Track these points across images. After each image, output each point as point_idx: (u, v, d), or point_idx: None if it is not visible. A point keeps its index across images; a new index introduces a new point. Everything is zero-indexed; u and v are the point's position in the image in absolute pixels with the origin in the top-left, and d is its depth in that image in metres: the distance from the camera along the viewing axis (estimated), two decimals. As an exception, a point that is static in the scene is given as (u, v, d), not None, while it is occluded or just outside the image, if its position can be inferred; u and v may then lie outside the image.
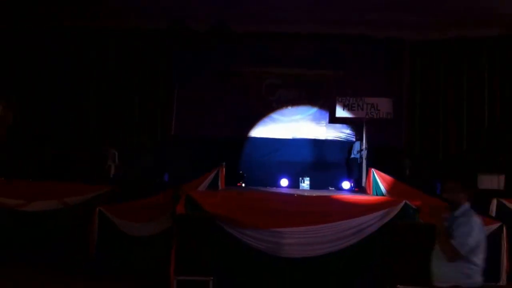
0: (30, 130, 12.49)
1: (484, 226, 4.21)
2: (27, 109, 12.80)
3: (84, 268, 8.24)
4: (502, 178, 10.72)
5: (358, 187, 11.43)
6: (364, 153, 11.44)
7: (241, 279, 7.56)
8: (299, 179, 11.85)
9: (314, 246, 7.56)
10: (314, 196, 9.28)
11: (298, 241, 7.55)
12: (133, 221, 8.54)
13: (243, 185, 11.67)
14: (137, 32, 13.01)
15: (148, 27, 12.78)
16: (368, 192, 10.18)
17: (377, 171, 9.94)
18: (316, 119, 13.16)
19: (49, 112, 12.72)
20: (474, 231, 3.99)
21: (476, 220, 4.09)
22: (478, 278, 4.08)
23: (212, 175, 9.55)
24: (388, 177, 9.66)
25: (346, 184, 11.68)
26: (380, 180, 9.74)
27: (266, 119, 13.19)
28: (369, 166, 10.74)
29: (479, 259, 4.07)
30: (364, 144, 11.56)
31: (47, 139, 12.19)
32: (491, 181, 10.62)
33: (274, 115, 13.24)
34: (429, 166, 11.84)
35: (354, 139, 12.85)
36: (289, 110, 13.25)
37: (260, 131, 13.14)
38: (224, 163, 10.13)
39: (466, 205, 4.16)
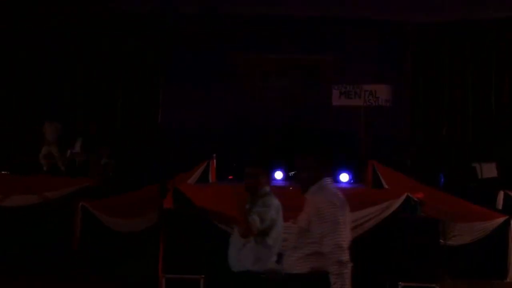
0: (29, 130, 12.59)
1: (281, 209, 4.52)
2: (26, 108, 13.03)
3: (67, 266, 8.32)
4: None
5: (357, 180, 11.50)
6: (363, 144, 11.51)
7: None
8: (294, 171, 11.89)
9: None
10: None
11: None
12: (118, 217, 8.62)
13: (235, 178, 11.72)
14: (128, 24, 13.26)
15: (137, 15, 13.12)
16: (368, 185, 10.26)
17: (377, 163, 10.01)
18: (312, 108, 13.21)
19: (48, 111, 12.82)
20: (270, 211, 4.32)
21: (274, 202, 4.44)
22: (270, 263, 4.30)
23: (202, 167, 9.57)
24: (388, 170, 9.73)
25: (344, 177, 11.74)
26: (380, 172, 9.82)
27: (259, 108, 13.23)
28: (368, 157, 10.82)
29: (272, 241, 4.35)
30: (362, 134, 11.62)
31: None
32: (491, 170, 10.71)
33: (268, 103, 13.28)
34: (431, 157, 11.94)
35: (352, 129, 12.89)
36: (284, 98, 13.30)
37: (253, 120, 13.18)
38: (214, 155, 10.17)
39: (266, 188, 4.51)
